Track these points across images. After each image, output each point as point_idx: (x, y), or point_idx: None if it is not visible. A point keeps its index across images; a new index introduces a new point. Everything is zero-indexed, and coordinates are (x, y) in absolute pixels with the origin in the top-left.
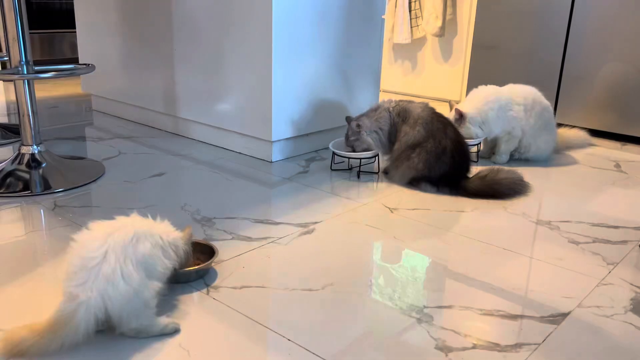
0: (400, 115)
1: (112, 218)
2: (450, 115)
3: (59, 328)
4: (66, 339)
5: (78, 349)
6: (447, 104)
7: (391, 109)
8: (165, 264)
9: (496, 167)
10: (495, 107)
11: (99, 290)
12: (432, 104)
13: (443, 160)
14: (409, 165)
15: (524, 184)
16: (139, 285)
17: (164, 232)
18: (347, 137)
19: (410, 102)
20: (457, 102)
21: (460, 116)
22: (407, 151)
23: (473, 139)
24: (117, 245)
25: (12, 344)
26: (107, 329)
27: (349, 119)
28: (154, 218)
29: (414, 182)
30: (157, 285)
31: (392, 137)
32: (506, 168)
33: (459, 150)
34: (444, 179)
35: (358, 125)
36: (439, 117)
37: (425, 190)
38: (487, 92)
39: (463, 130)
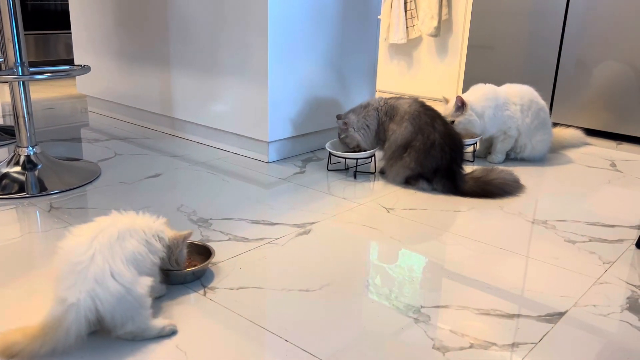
0: (387, 114)
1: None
2: (448, 107)
3: (50, 332)
4: (58, 343)
5: (76, 351)
6: (442, 99)
7: (379, 107)
8: (151, 259)
9: (490, 166)
10: (493, 106)
11: (88, 292)
12: (428, 103)
13: (432, 154)
14: (402, 164)
15: (516, 185)
16: (130, 282)
17: (146, 225)
18: (338, 134)
19: (398, 98)
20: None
21: (462, 104)
22: (399, 150)
23: (474, 126)
24: (103, 247)
25: (4, 347)
26: (102, 331)
27: (339, 117)
28: (136, 212)
29: (409, 180)
30: (148, 280)
31: (380, 135)
32: (500, 168)
33: (449, 142)
34: (439, 173)
35: (345, 123)
36: (427, 110)
37: (421, 188)
38: (486, 89)
39: (464, 119)
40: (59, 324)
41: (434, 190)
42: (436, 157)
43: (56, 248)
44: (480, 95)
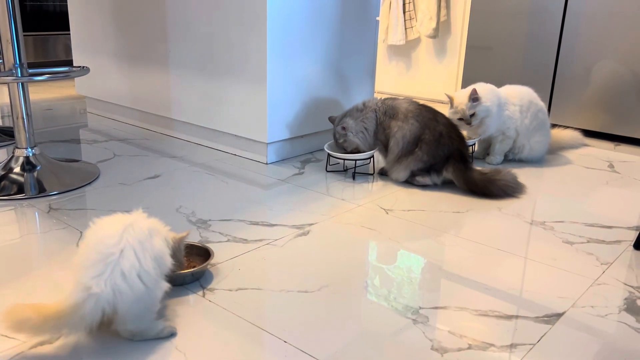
0: (387, 113)
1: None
2: (461, 101)
3: (65, 315)
4: (69, 327)
5: (75, 351)
6: (447, 97)
7: (377, 108)
8: (171, 260)
9: (497, 168)
10: (497, 103)
11: (113, 286)
12: (428, 105)
13: (443, 143)
14: (413, 158)
15: (517, 187)
16: (152, 283)
17: (161, 227)
18: (335, 138)
19: (394, 99)
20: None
21: (477, 95)
22: (409, 146)
23: (490, 114)
24: (134, 242)
25: (16, 321)
26: (100, 329)
27: (332, 119)
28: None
29: (416, 174)
30: (166, 285)
31: (378, 134)
32: (505, 170)
33: (453, 131)
34: (451, 159)
35: (343, 128)
36: (426, 107)
37: (432, 181)
38: (490, 87)
39: (482, 107)
40: (76, 309)
41: (443, 181)
42: (446, 144)
43: (82, 238)
44: (487, 90)
